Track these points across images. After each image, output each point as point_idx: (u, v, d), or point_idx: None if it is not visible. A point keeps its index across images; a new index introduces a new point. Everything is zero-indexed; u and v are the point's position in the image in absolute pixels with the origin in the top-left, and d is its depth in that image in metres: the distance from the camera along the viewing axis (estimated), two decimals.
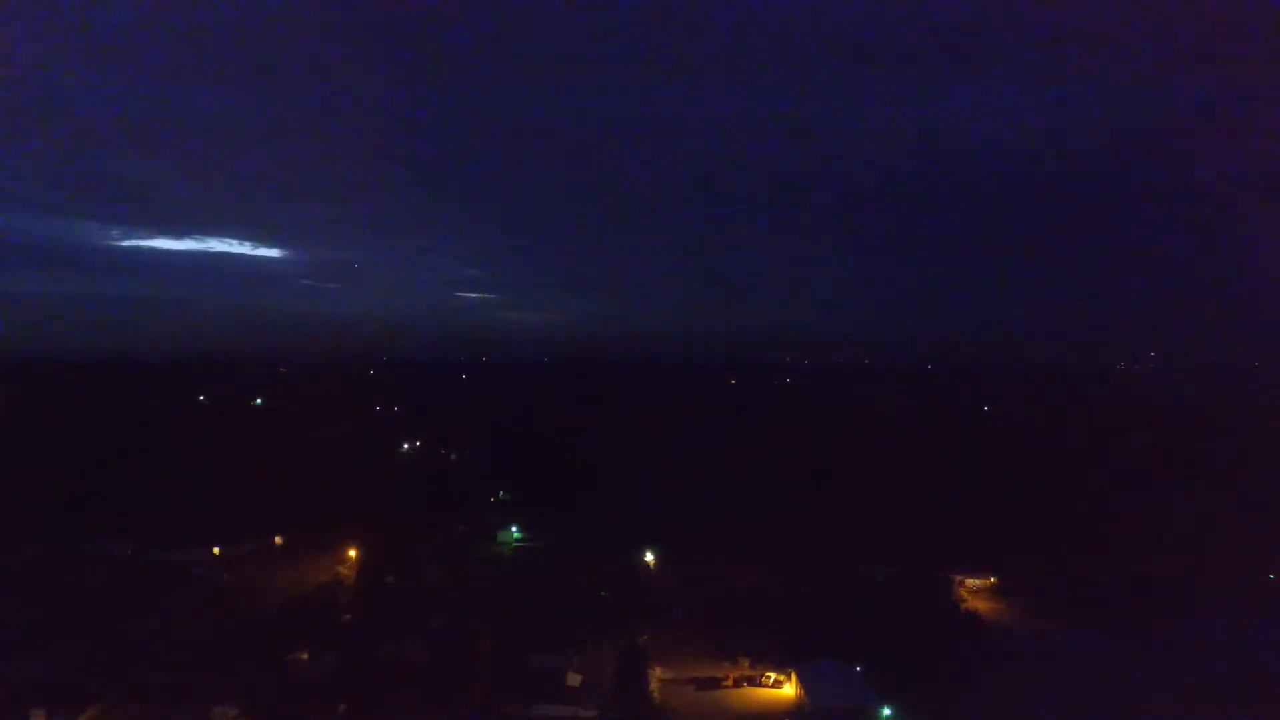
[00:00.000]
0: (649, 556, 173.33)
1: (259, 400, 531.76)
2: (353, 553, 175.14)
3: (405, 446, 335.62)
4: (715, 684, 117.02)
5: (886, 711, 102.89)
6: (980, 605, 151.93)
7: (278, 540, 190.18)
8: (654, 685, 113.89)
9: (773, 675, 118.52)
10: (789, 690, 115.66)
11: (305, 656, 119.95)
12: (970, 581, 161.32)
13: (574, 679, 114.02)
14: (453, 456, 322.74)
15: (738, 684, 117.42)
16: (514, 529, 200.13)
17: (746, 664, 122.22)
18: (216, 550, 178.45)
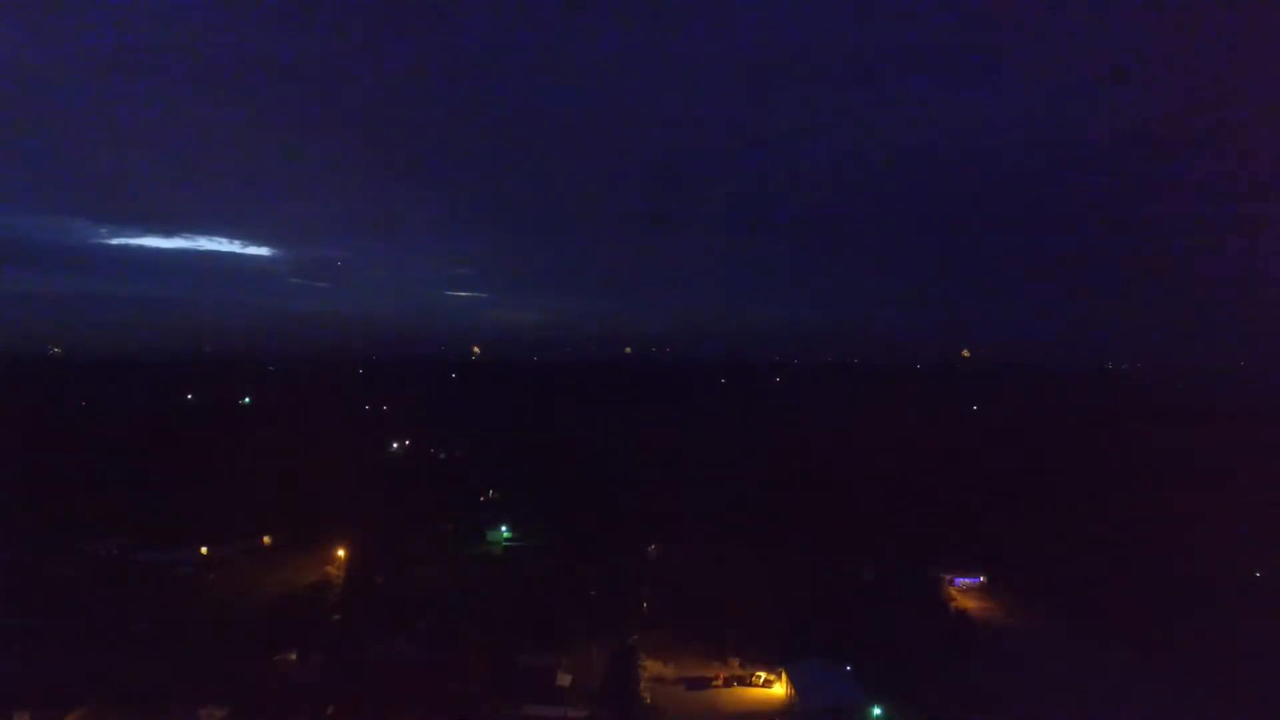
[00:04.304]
0: (639, 556, 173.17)
1: (247, 399, 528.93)
2: (341, 552, 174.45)
3: (394, 445, 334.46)
4: (706, 684, 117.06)
5: (876, 710, 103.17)
6: (969, 604, 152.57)
7: (266, 540, 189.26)
8: (644, 685, 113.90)
9: (763, 675, 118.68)
10: (779, 690, 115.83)
11: (294, 657, 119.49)
12: (960, 580, 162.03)
13: (564, 679, 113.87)
14: (442, 455, 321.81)
15: (728, 684, 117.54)
16: (503, 528, 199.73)
17: (737, 664, 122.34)
18: (204, 550, 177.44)
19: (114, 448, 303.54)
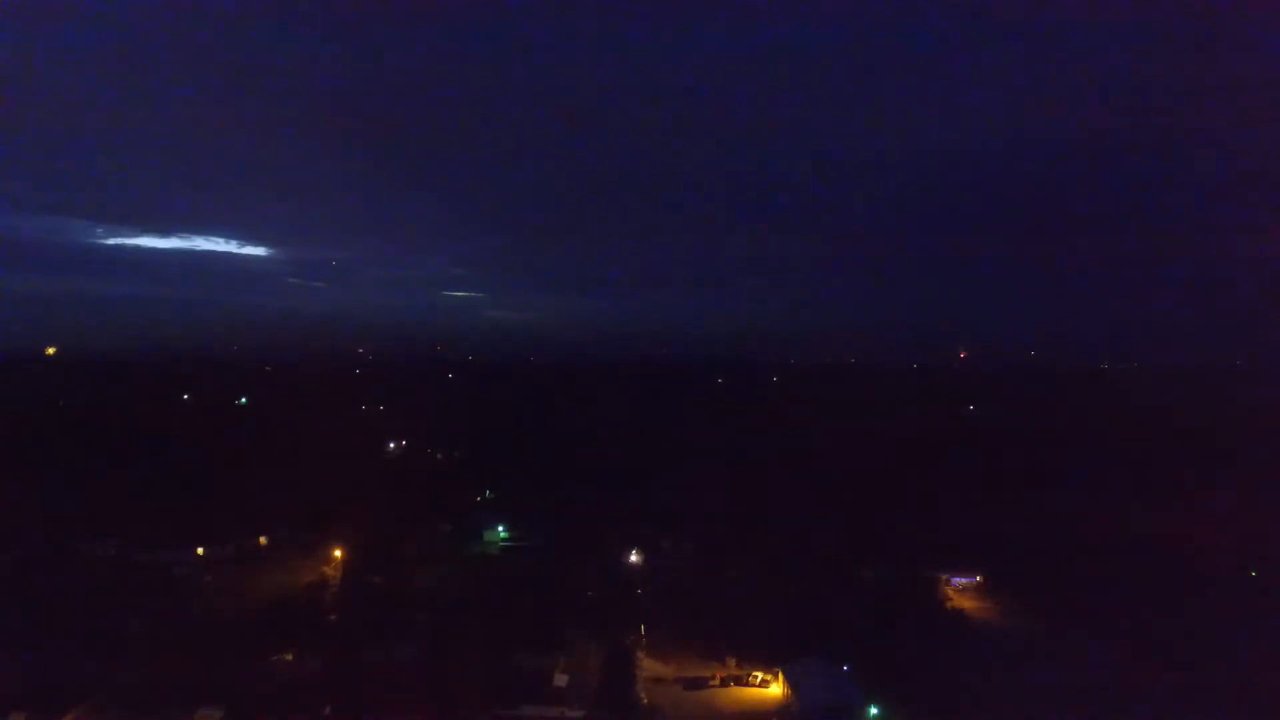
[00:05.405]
0: (636, 556, 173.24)
1: (244, 399, 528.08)
2: (338, 553, 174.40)
3: (391, 445, 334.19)
4: (703, 683, 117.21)
5: (873, 710, 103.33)
6: (966, 604, 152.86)
7: (262, 540, 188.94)
8: (641, 685, 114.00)
9: (760, 674, 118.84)
10: (776, 689, 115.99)
11: (290, 658, 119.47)
12: (957, 580, 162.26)
13: (561, 679, 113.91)
14: (439, 456, 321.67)
15: (725, 683, 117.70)
16: (500, 528, 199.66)
17: (734, 663, 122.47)
18: (201, 550, 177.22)
19: (111, 448, 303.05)
